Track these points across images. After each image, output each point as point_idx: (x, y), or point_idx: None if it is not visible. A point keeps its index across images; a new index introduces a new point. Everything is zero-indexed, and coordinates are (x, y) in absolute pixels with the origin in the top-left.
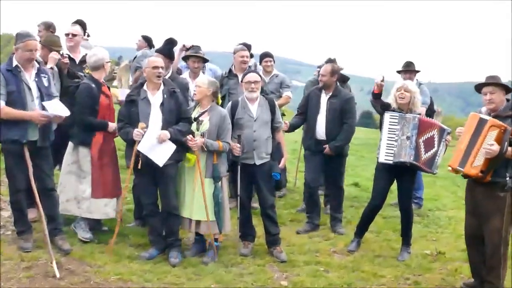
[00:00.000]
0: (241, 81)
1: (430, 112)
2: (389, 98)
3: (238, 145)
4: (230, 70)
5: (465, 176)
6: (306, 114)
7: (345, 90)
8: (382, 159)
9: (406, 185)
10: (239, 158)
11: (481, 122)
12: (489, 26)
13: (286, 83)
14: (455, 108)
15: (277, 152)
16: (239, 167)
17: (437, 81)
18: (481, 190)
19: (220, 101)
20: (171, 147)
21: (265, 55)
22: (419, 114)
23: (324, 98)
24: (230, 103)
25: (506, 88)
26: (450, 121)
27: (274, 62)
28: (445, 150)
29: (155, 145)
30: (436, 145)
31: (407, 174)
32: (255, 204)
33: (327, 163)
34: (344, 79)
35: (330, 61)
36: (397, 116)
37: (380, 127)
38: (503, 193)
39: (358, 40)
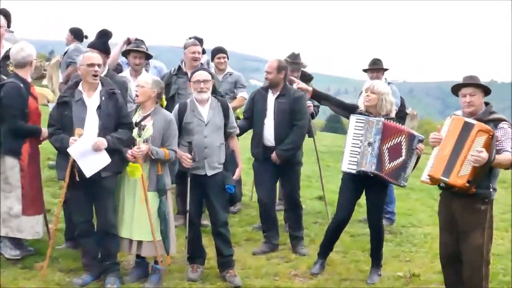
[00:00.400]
0: (189, 80)
1: (402, 114)
2: (359, 100)
3: (189, 155)
4: (180, 67)
5: (447, 187)
6: (252, 118)
7: (294, 88)
8: (345, 167)
9: (375, 198)
10: (190, 168)
11: (467, 127)
12: (470, 21)
13: (242, 82)
14: (433, 110)
15: (231, 162)
16: (188, 178)
17: (413, 80)
18: (459, 203)
19: (164, 103)
20: (104, 160)
21: (217, 51)
22: (388, 118)
23: (271, 98)
24: (177, 105)
25: (485, 90)
26: (427, 125)
27: (228, 58)
28: (417, 160)
29: (89, 152)
30: (404, 154)
31: (376, 185)
32: (206, 221)
33: (281, 174)
34: (307, 78)
35: (294, 56)
36: (363, 119)
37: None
38: (484, 206)
39: (326, 35)
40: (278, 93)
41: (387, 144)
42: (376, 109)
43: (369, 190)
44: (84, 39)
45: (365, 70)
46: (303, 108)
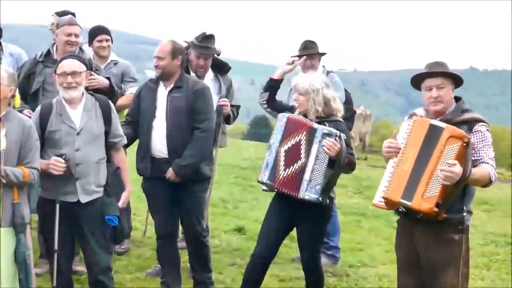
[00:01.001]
0: (55, 72)
1: (348, 114)
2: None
3: (60, 158)
4: (49, 53)
5: (407, 212)
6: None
7: (194, 79)
8: (261, 178)
9: (309, 228)
10: (58, 193)
11: (434, 132)
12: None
13: (131, 74)
14: (392, 109)
15: (115, 183)
16: (57, 206)
17: (366, 69)
18: (424, 233)
19: (18, 103)
20: None
21: (97, 31)
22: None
23: (162, 93)
24: (39, 108)
25: (456, 81)
26: (385, 129)
27: (112, 41)
28: (327, 162)
29: None
30: (303, 155)
31: (309, 210)
32: (80, 267)
33: (179, 196)
34: (222, 67)
35: (203, 38)
36: (286, 116)
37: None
38: (458, 236)
39: (249, 17)
40: (172, 85)
41: (285, 146)
42: (310, 113)
43: (300, 217)
44: None
45: (296, 56)
46: (206, 105)
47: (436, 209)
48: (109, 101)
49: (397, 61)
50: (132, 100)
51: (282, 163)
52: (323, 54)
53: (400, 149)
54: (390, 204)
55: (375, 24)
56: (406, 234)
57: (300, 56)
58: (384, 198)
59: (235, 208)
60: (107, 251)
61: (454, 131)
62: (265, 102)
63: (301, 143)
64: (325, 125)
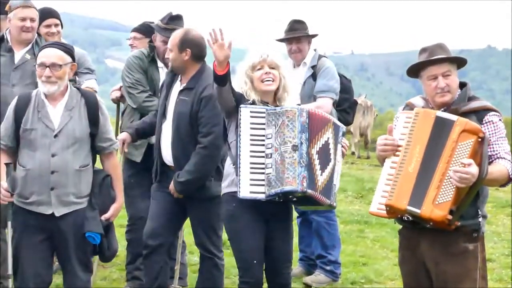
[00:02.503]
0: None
1: (346, 106)
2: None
3: (4, 183)
4: (3, 39)
5: (413, 221)
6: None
7: (209, 79)
8: (246, 192)
9: (283, 238)
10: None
11: (442, 125)
12: None
13: (86, 64)
14: (397, 98)
15: (104, 194)
16: (9, 224)
17: (365, 52)
18: (432, 244)
19: None
20: None
21: (45, 14)
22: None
23: (176, 91)
24: (15, 99)
25: (459, 63)
26: (391, 122)
27: (62, 26)
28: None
29: None
30: (332, 156)
31: (281, 215)
32: None
33: (186, 209)
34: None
35: (171, 19)
36: (263, 112)
37: (225, 136)
38: (473, 245)
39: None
40: (184, 85)
41: (316, 146)
42: (277, 95)
43: (273, 227)
44: None
45: (280, 40)
46: (212, 116)
47: (449, 217)
48: (98, 98)
49: (400, 42)
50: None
51: (317, 167)
52: (313, 36)
53: (398, 146)
54: (393, 212)
55: (373, 1)
56: (411, 246)
57: (285, 40)
58: (386, 205)
59: None
60: (87, 269)
61: (467, 125)
62: None
63: (329, 141)
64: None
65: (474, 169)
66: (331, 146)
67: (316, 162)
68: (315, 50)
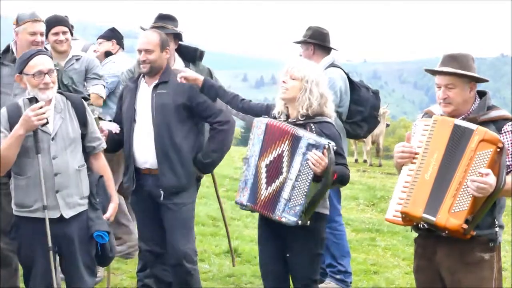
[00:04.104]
0: (20, 72)
1: (363, 118)
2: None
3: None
4: (8, 49)
5: (428, 229)
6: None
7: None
8: (240, 199)
9: (298, 251)
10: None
11: (461, 133)
12: None
13: (95, 70)
14: (410, 106)
15: (100, 195)
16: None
17: (378, 60)
18: (448, 253)
19: None
20: None
21: (52, 22)
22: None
23: (144, 92)
24: (4, 111)
25: (475, 79)
26: (403, 130)
27: (72, 34)
28: (311, 179)
29: None
30: (285, 169)
31: (298, 235)
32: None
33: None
34: (191, 54)
35: (160, 17)
36: (255, 122)
37: None
38: (489, 255)
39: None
40: (156, 81)
41: (266, 159)
42: (299, 107)
43: (289, 239)
44: None
45: (297, 43)
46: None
47: (465, 226)
48: (83, 99)
49: (413, 50)
50: (116, 104)
51: (263, 180)
52: (328, 48)
53: (415, 154)
54: (408, 219)
55: (387, 9)
56: (427, 254)
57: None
58: (402, 212)
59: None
60: (92, 273)
61: (486, 134)
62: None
63: (283, 154)
64: (311, 127)
65: (491, 179)
66: (285, 159)
67: (263, 175)
68: (333, 58)
